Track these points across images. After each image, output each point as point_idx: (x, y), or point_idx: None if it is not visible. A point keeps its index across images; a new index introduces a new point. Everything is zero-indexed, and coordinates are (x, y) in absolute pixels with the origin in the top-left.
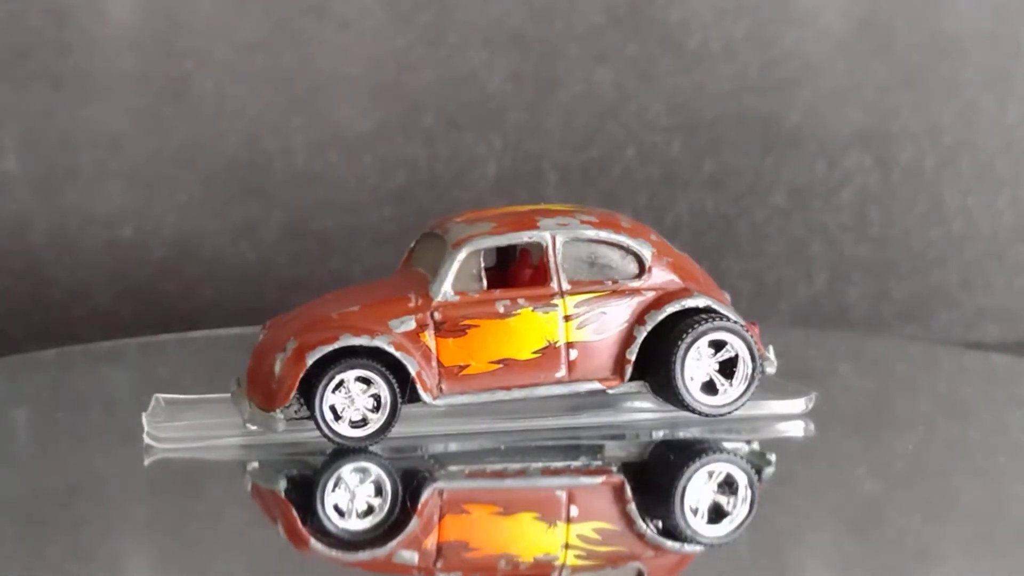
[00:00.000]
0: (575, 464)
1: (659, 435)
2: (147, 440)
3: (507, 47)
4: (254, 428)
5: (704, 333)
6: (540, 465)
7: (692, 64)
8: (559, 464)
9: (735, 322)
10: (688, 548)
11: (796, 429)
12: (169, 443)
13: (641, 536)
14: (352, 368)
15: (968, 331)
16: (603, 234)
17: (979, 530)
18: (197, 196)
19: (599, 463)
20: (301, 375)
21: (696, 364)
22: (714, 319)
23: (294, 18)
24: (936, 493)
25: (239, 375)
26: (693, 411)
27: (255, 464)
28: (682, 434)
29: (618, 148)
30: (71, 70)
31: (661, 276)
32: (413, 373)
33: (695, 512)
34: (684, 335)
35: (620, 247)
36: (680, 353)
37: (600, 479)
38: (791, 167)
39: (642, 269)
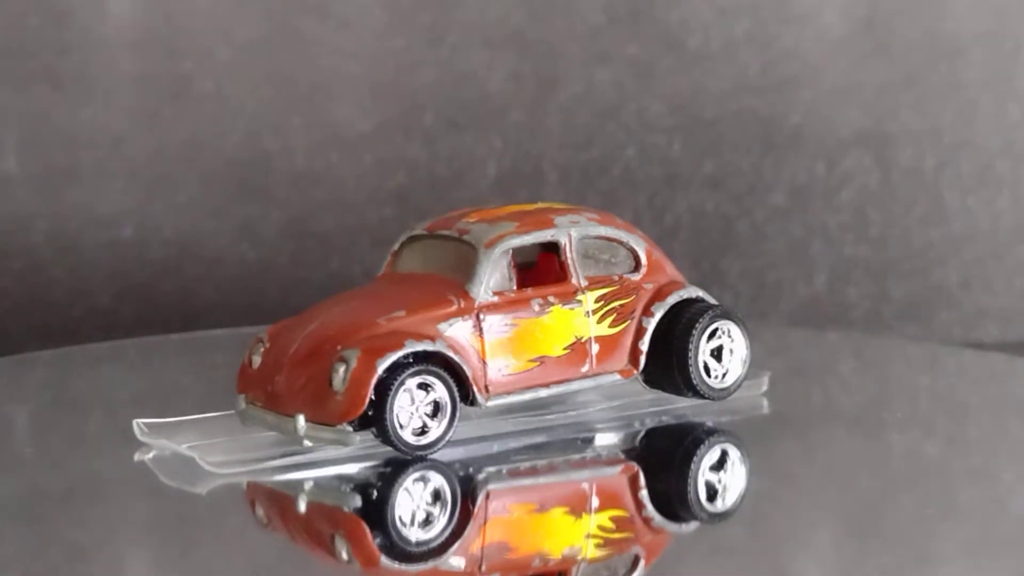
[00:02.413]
0: (589, 456)
1: (646, 423)
2: (206, 467)
3: (507, 47)
4: (309, 444)
5: (713, 320)
6: (563, 459)
7: (692, 64)
8: (577, 457)
9: (732, 309)
10: (686, 528)
11: (759, 408)
12: (227, 467)
13: (648, 521)
14: (418, 374)
15: (968, 331)
16: (609, 231)
17: (979, 531)
18: (197, 196)
19: (608, 454)
20: (374, 383)
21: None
22: (714, 308)
23: (294, 18)
24: (936, 493)
25: (247, 392)
26: (700, 395)
27: (311, 483)
28: (666, 420)
29: (618, 148)
30: (71, 70)
31: (653, 270)
32: (470, 376)
33: (701, 492)
34: (696, 323)
35: (621, 243)
36: (695, 340)
37: (618, 468)
38: (791, 167)
39: (638, 264)
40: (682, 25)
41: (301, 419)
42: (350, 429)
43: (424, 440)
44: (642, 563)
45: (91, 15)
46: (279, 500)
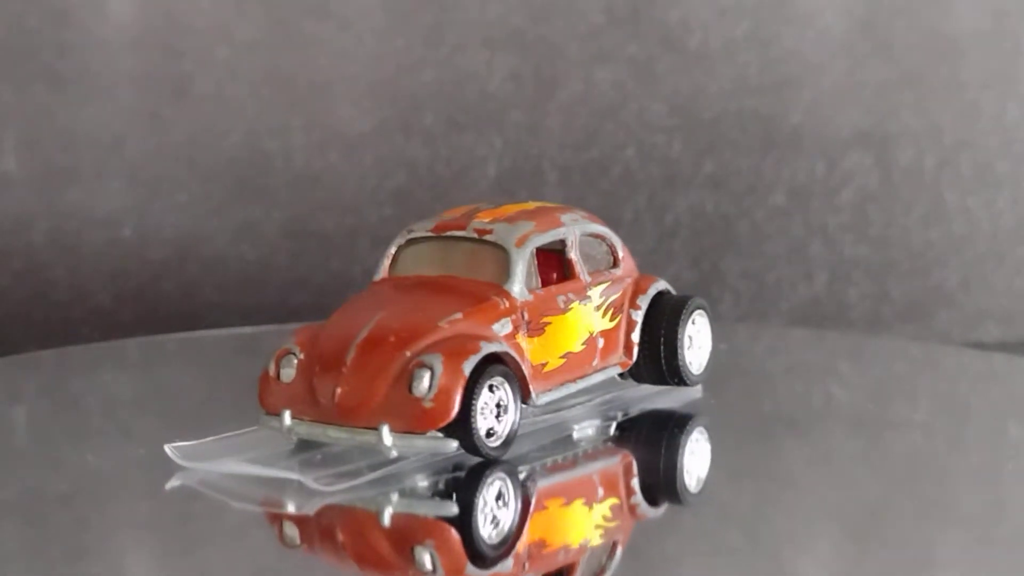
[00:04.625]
0: (590, 450)
1: (618, 415)
2: (312, 485)
3: (507, 47)
4: (395, 455)
5: (693, 310)
6: (571, 454)
7: (692, 64)
8: (581, 452)
9: (701, 299)
10: (661, 512)
11: (697, 393)
12: (331, 485)
13: (633, 508)
14: (491, 376)
15: (968, 331)
16: (599, 228)
17: (978, 531)
18: (197, 196)
19: (605, 447)
20: (463, 388)
21: None
22: (690, 299)
23: (294, 18)
24: (936, 494)
25: (287, 405)
26: (683, 382)
27: (395, 496)
28: (636, 411)
29: (618, 148)
30: (71, 70)
31: (627, 265)
32: (528, 375)
33: (686, 477)
34: (682, 313)
35: (604, 239)
36: (682, 329)
37: (617, 458)
38: (791, 167)
39: (616, 259)
40: (682, 25)
41: (386, 430)
42: (441, 436)
43: (498, 441)
44: (637, 560)
45: (91, 15)
46: (220, 482)
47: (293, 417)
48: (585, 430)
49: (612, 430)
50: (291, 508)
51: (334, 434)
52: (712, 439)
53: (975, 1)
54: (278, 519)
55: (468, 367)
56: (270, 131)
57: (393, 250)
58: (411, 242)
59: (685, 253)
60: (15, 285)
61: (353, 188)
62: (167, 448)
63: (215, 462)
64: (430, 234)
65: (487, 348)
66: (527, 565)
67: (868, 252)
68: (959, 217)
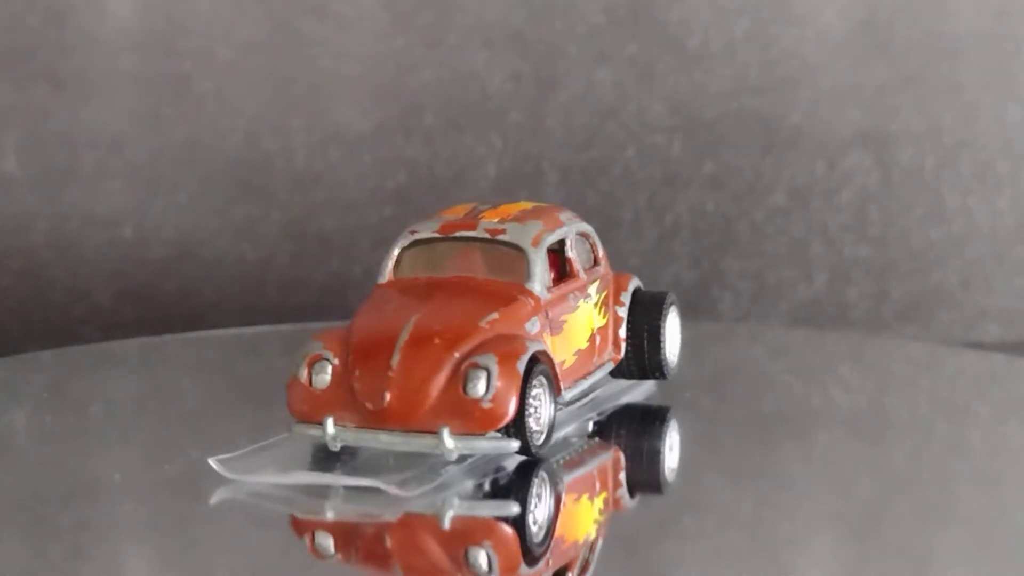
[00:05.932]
0: (587, 447)
1: (594, 413)
2: (392, 492)
3: (507, 47)
4: (454, 457)
5: (671, 305)
6: (574, 452)
7: (692, 64)
8: (580, 449)
9: (674, 295)
10: (661, 512)
11: (651, 387)
12: (410, 491)
13: (616, 501)
14: (536, 375)
15: (968, 331)
16: (585, 227)
17: (978, 534)
18: (197, 196)
19: (596, 443)
20: (519, 387)
21: None
22: (667, 294)
23: (294, 18)
24: (936, 496)
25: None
26: (664, 376)
27: (455, 500)
28: (611, 406)
29: (618, 148)
30: (71, 70)
31: (605, 263)
32: (560, 372)
33: (686, 477)
34: (662, 307)
35: (588, 238)
36: (664, 324)
37: (610, 453)
38: (791, 167)
39: (597, 257)
40: (682, 25)
41: (447, 433)
42: (500, 436)
43: (541, 439)
44: (637, 559)
45: (91, 15)
46: (221, 483)
47: (336, 424)
48: (569, 428)
49: (591, 427)
50: (368, 515)
51: (387, 439)
52: (712, 439)
53: (975, 1)
54: (355, 527)
55: (521, 367)
56: (270, 131)
57: (396, 252)
58: (414, 244)
59: (685, 253)
60: (15, 285)
61: (353, 188)
62: (211, 462)
63: (266, 474)
64: (436, 235)
65: (532, 347)
66: (551, 561)
67: (868, 252)
68: (959, 217)
